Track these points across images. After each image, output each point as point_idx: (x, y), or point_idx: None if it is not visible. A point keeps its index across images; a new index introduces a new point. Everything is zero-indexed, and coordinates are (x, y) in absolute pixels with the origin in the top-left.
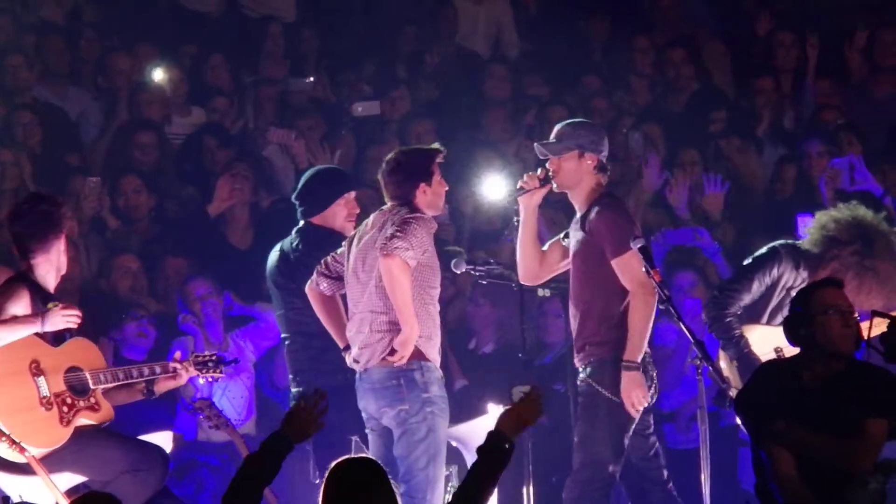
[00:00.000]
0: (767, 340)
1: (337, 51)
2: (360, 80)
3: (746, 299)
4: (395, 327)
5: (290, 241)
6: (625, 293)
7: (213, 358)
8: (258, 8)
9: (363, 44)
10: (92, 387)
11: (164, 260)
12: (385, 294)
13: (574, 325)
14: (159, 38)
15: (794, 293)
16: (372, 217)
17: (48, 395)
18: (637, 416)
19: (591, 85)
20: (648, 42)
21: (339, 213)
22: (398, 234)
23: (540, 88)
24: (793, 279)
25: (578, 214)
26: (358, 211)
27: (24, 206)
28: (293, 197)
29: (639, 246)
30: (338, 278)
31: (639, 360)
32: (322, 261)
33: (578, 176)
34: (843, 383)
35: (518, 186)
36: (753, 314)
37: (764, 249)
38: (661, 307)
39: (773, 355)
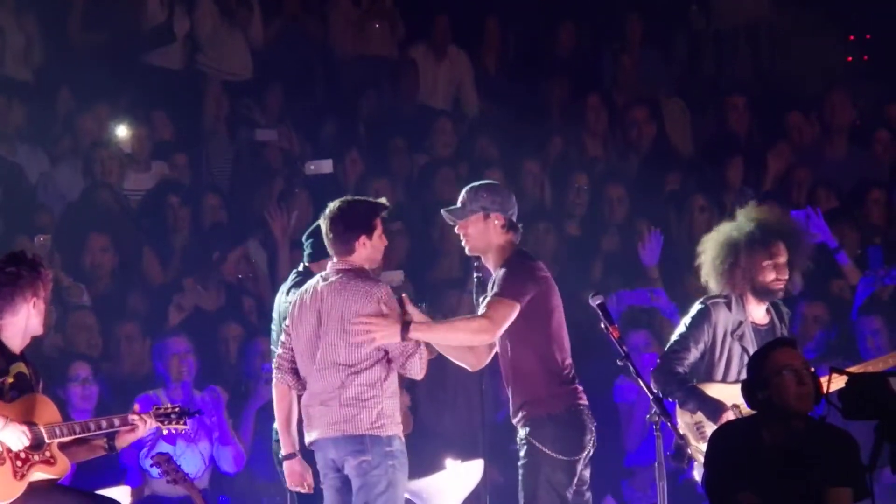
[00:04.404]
0: (725, 398)
1: (297, 110)
2: (319, 139)
3: (691, 358)
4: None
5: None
6: (559, 345)
7: (176, 410)
8: (215, 65)
9: (323, 105)
10: (47, 441)
11: (118, 323)
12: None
13: (510, 385)
14: (121, 95)
15: (737, 335)
16: (315, 287)
17: (0, 449)
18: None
19: (555, 146)
20: (600, 100)
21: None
22: (404, 354)
23: (492, 150)
24: (732, 322)
25: (494, 276)
26: None
27: None
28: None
29: (597, 303)
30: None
31: (421, 333)
32: (278, 356)
33: (487, 237)
34: (804, 445)
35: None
36: (707, 371)
37: (693, 310)
38: (619, 363)
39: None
